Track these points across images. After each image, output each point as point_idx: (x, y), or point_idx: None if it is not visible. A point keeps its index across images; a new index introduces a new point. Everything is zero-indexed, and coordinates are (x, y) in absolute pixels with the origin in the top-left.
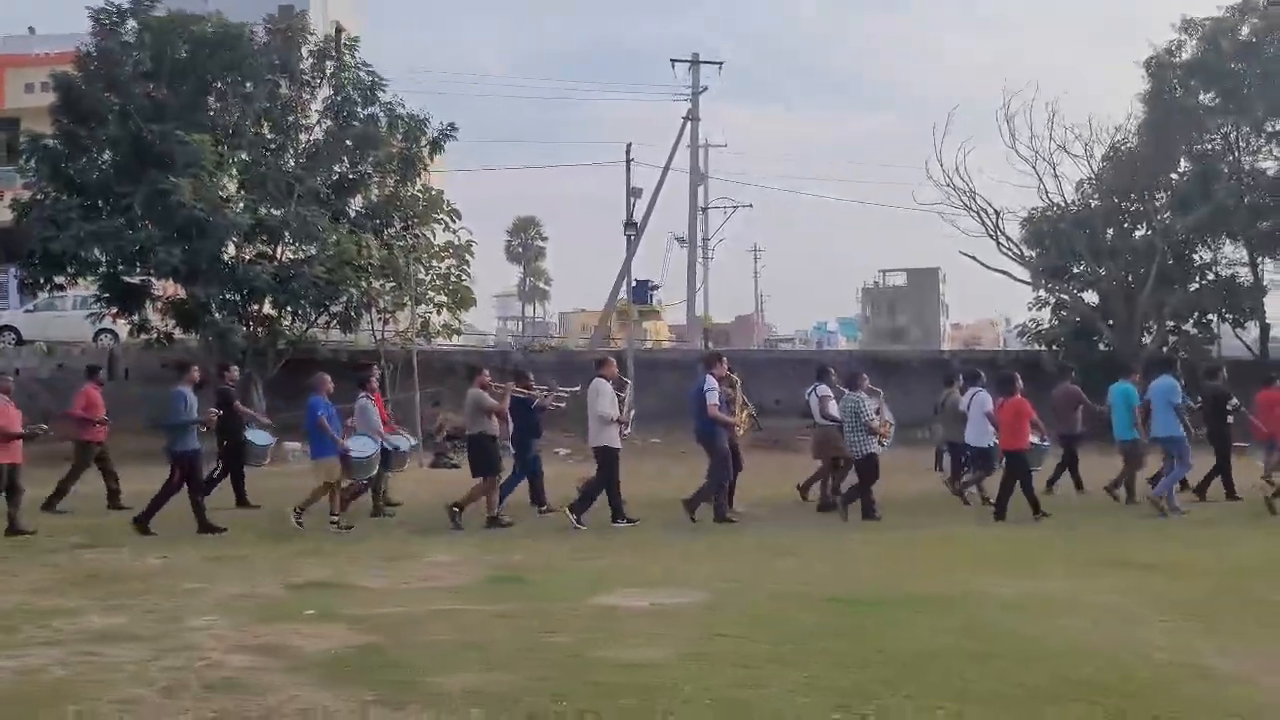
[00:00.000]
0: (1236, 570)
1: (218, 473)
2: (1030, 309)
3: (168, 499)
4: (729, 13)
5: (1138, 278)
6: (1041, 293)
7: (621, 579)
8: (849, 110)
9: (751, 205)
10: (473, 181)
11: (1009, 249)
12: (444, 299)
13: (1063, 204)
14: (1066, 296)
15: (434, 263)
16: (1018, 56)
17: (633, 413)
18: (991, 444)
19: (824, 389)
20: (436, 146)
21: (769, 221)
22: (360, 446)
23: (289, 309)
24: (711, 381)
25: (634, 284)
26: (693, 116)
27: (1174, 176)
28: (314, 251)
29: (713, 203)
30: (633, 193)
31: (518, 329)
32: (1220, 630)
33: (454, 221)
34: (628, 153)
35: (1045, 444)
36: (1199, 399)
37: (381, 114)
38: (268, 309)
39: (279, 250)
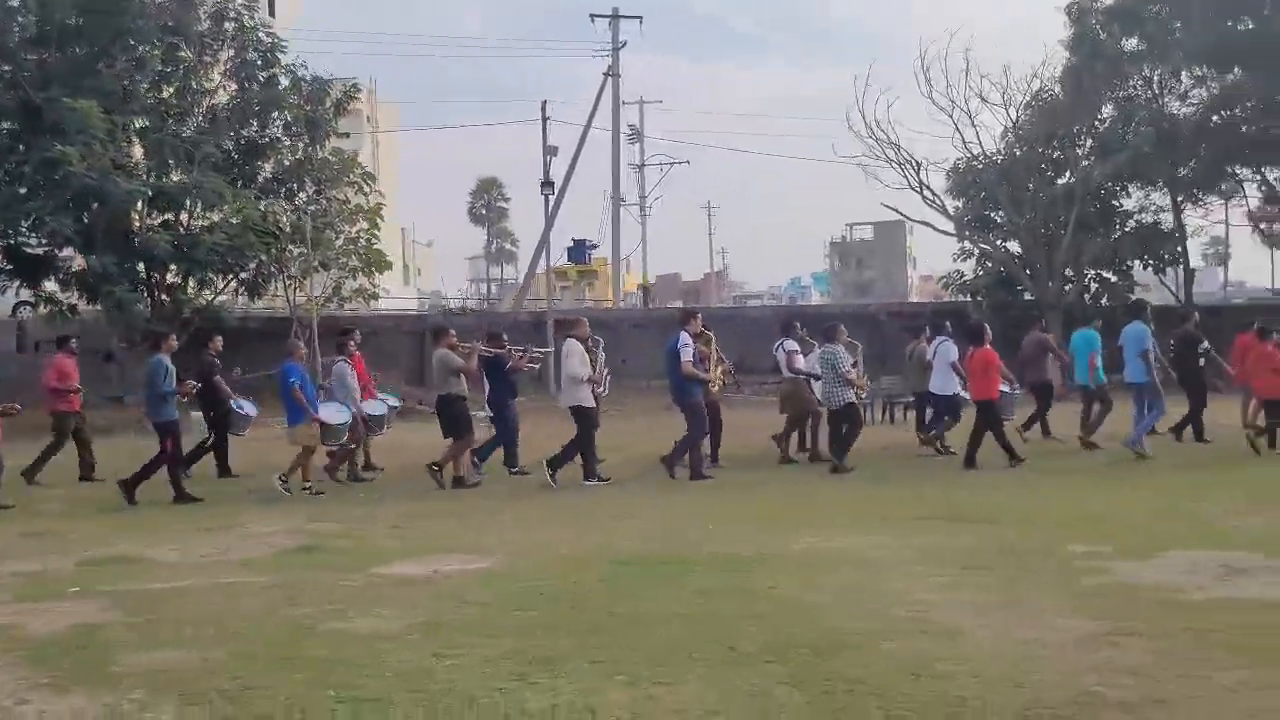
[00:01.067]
0: (1050, 522)
1: (210, 441)
2: (955, 260)
3: (156, 468)
4: None
5: (1059, 226)
6: (966, 244)
7: (427, 546)
8: (817, 63)
9: (689, 162)
10: (438, 142)
11: (933, 200)
12: (356, 263)
13: (985, 154)
14: (989, 247)
15: (345, 227)
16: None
17: (607, 373)
18: (956, 392)
19: (791, 343)
20: (340, 108)
21: (737, 177)
22: (333, 413)
23: (193, 277)
24: (685, 338)
25: (571, 244)
26: (613, 73)
27: (1097, 123)
28: (216, 218)
29: (650, 159)
30: (549, 151)
31: (488, 291)
32: (988, 585)
33: (367, 185)
34: (543, 110)
35: (1015, 391)
36: (1171, 344)
37: (283, 76)
38: (173, 278)
39: (185, 218)
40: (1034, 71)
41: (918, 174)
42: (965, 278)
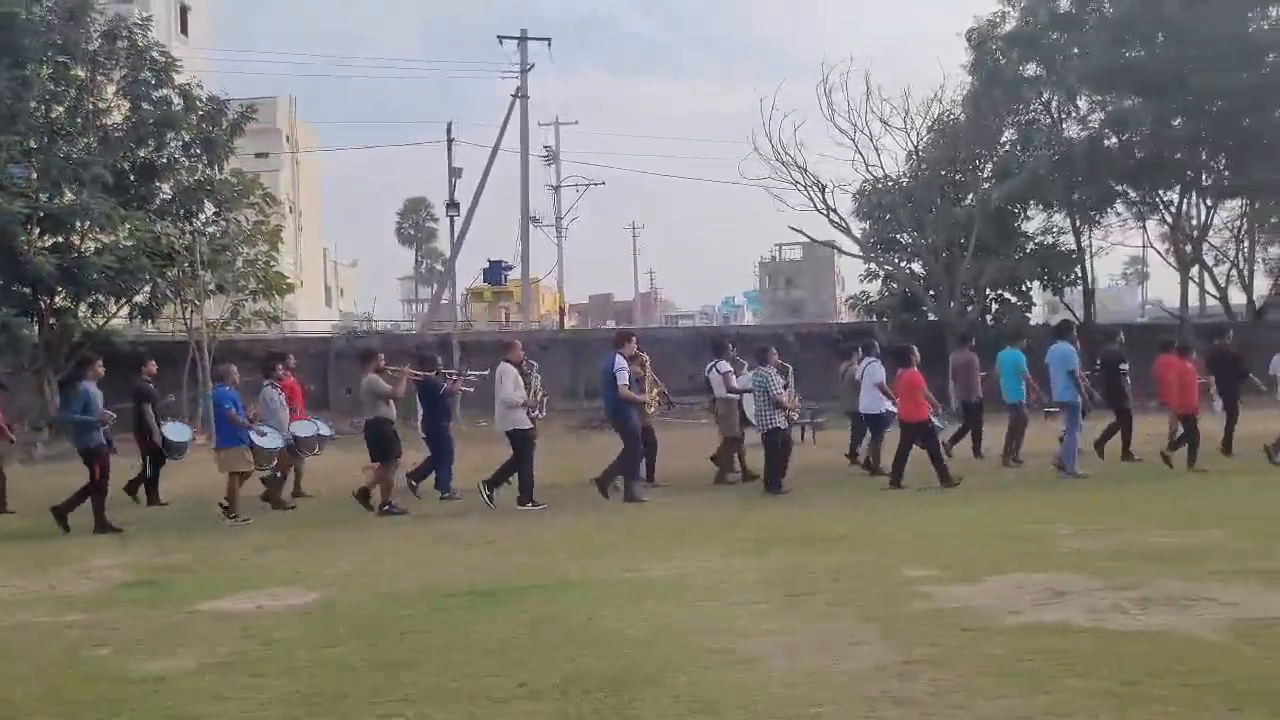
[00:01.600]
0: (899, 544)
1: (147, 470)
2: (861, 281)
3: (86, 496)
4: None
5: (961, 248)
6: (872, 265)
7: (267, 579)
8: (741, 81)
9: (604, 183)
10: (368, 163)
11: (838, 222)
12: (254, 286)
13: (890, 176)
14: (892, 268)
15: (243, 249)
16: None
17: (544, 396)
18: (884, 411)
19: (724, 364)
20: (236, 129)
21: (663, 196)
22: (263, 437)
23: (83, 301)
24: (620, 361)
25: (487, 265)
26: (521, 94)
27: (997, 147)
28: (108, 240)
29: (566, 180)
30: (454, 173)
31: (416, 311)
32: (808, 611)
33: (268, 206)
34: (449, 132)
35: (940, 425)
36: (1097, 363)
37: (175, 95)
38: (62, 301)
39: (78, 240)
40: (935, 95)
41: (823, 196)
42: (871, 299)
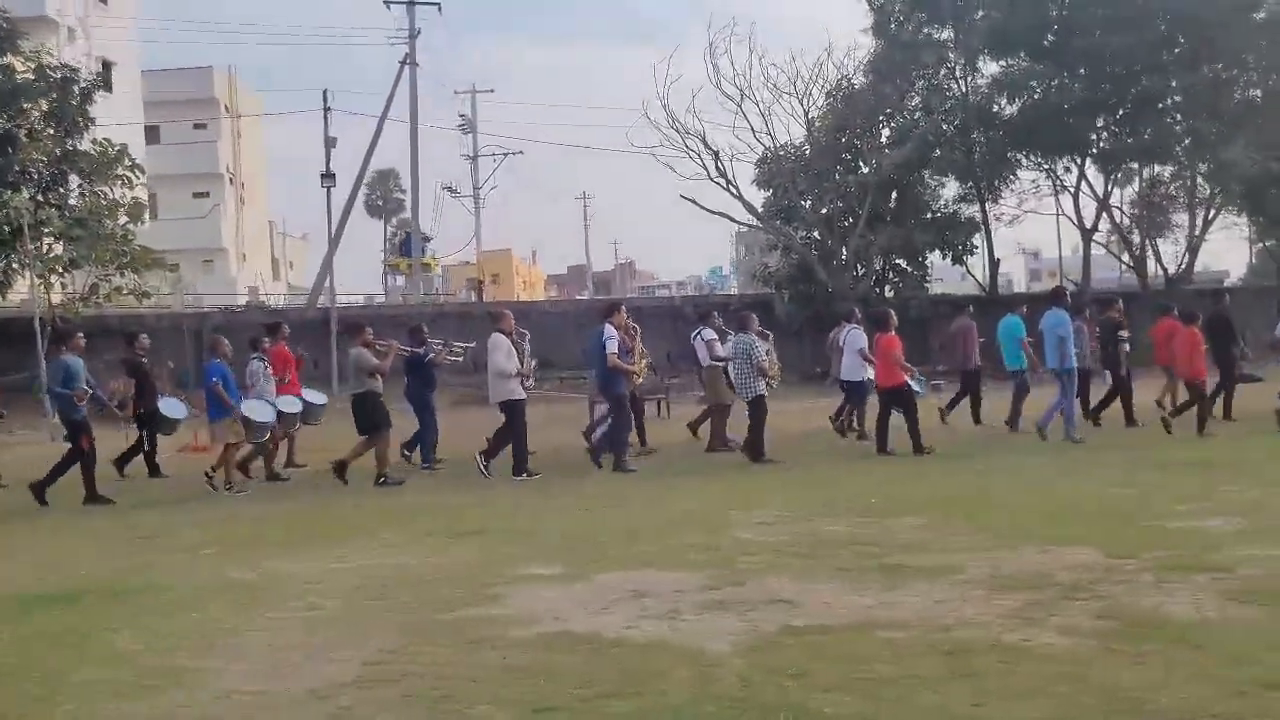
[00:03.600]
0: (559, 534)
1: (145, 444)
2: (761, 252)
3: (67, 469)
4: None
5: (857, 217)
6: (770, 236)
7: None
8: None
9: (522, 152)
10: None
11: (732, 191)
12: (116, 260)
13: (791, 144)
14: (786, 239)
15: (106, 222)
16: None
17: (534, 363)
18: (864, 378)
19: (709, 332)
20: (86, 97)
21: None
22: (256, 409)
23: None
24: (610, 330)
25: (404, 236)
26: (410, 60)
27: (898, 114)
28: None
29: (483, 149)
30: (329, 142)
31: (397, 285)
32: (356, 617)
33: (136, 177)
34: (324, 100)
35: (921, 391)
36: (1096, 330)
37: (20, 64)
38: None
39: None
40: (822, 59)
41: (716, 164)
42: (770, 269)
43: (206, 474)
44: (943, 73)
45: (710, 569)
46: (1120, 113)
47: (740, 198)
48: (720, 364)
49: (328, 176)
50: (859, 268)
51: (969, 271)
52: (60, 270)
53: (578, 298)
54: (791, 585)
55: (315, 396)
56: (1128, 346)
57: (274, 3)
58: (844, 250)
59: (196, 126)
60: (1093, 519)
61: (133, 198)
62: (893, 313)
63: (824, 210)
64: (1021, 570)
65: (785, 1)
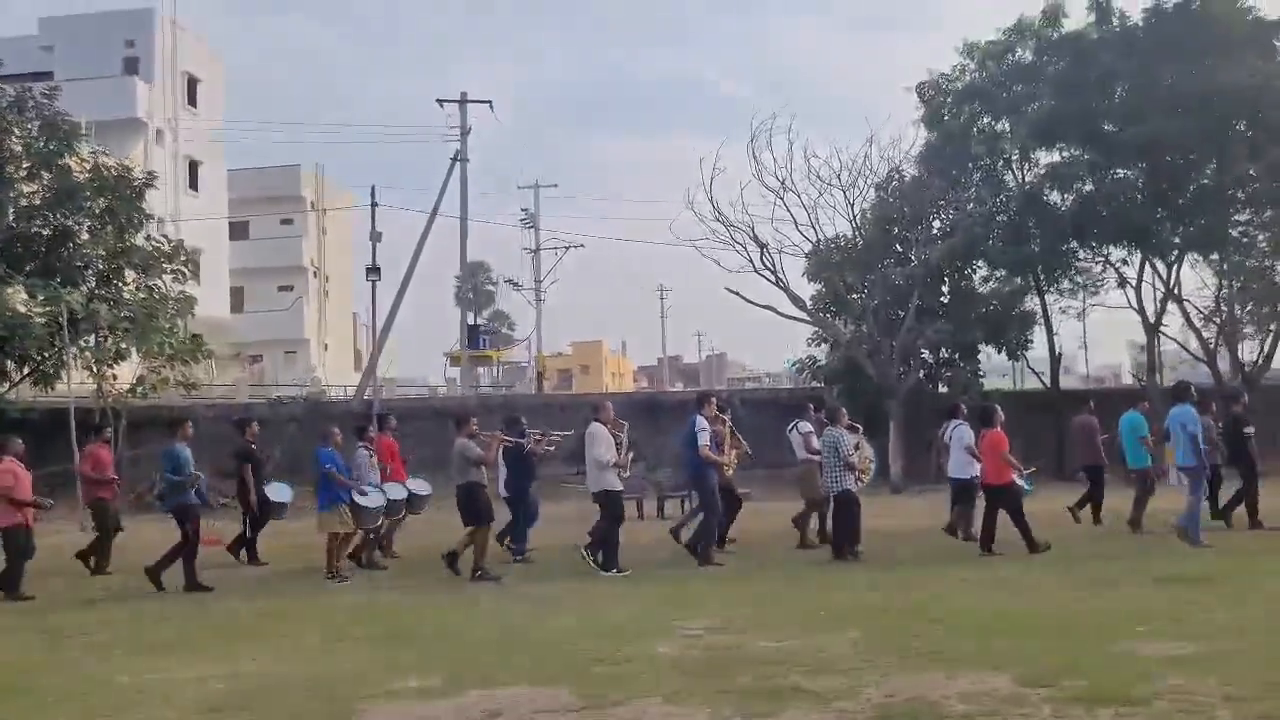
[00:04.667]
0: (527, 644)
1: (247, 531)
2: (809, 345)
3: (179, 555)
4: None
5: (906, 311)
6: (824, 329)
7: None
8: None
9: (583, 245)
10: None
11: (778, 283)
12: (169, 352)
13: (841, 236)
14: (833, 331)
15: (154, 318)
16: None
17: (631, 456)
18: (972, 476)
19: (805, 425)
20: (139, 194)
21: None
22: (365, 497)
23: None
24: (702, 422)
25: (467, 328)
26: (461, 157)
27: (948, 205)
28: None
29: (544, 243)
30: (375, 237)
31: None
32: None
33: (189, 273)
34: (372, 196)
35: (1028, 487)
36: (1220, 425)
37: (76, 164)
38: None
39: None
40: (870, 151)
41: (761, 256)
42: (818, 362)
43: (327, 574)
44: (997, 164)
45: (590, 687)
46: (1180, 203)
47: (786, 289)
48: (815, 457)
49: (373, 270)
50: (910, 362)
51: (1030, 366)
52: (109, 362)
53: (667, 389)
54: (657, 709)
55: (420, 486)
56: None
57: (371, 105)
58: (892, 344)
59: (283, 222)
60: (1037, 638)
61: (181, 291)
62: (999, 408)
63: (873, 303)
64: (916, 698)
65: (840, 96)
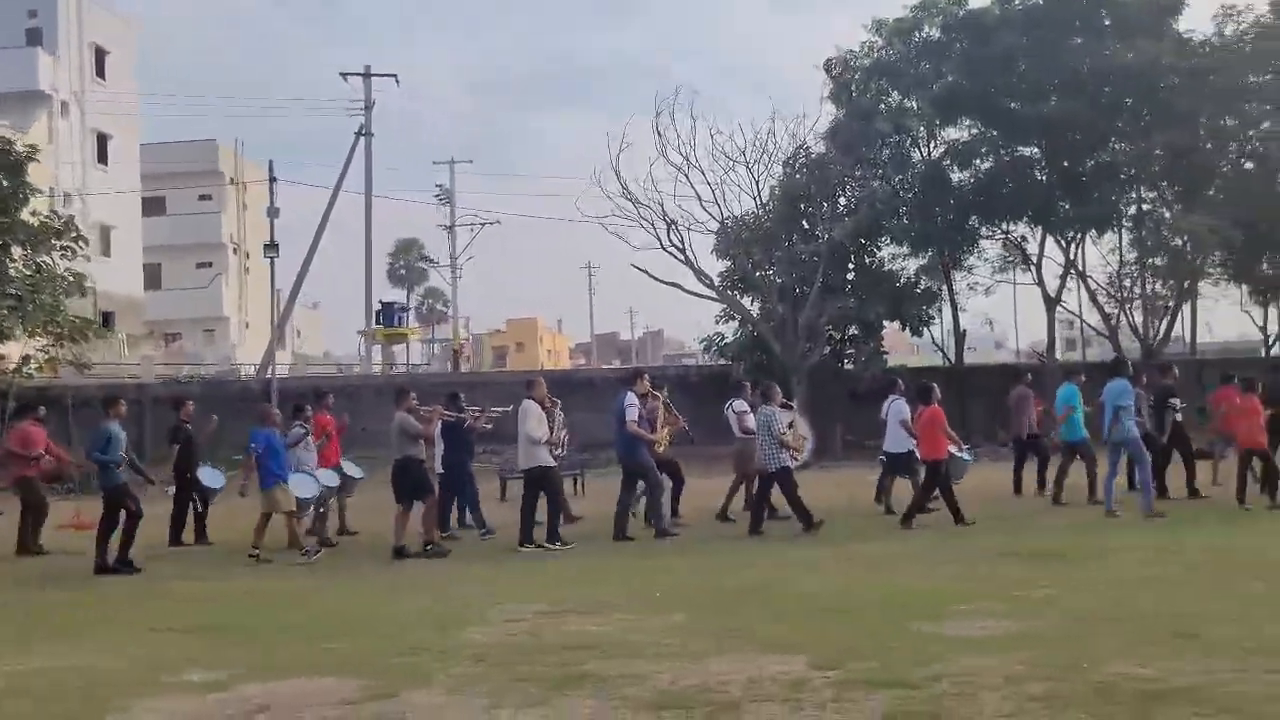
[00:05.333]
0: (335, 629)
1: (198, 508)
2: (717, 322)
3: (110, 534)
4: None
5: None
6: (730, 306)
7: None
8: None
9: (499, 222)
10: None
11: (685, 261)
12: (56, 330)
13: (749, 213)
14: (738, 309)
15: (38, 295)
16: None
17: (566, 433)
18: (908, 450)
19: (740, 403)
20: (17, 169)
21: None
22: (298, 485)
23: None
24: (631, 398)
25: (380, 306)
26: (365, 131)
27: (854, 181)
28: None
29: (460, 220)
30: (272, 213)
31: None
32: None
33: (80, 248)
34: (270, 170)
35: (967, 457)
36: (1151, 398)
37: None
38: None
39: None
40: (774, 128)
41: (669, 233)
42: (725, 339)
43: (252, 554)
44: (904, 141)
45: (381, 678)
46: (1078, 180)
47: (693, 267)
48: (751, 436)
49: (271, 247)
50: (814, 339)
51: (937, 344)
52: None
53: (604, 366)
54: (435, 698)
55: (353, 469)
56: (1178, 415)
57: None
58: (798, 321)
59: (202, 198)
60: (854, 619)
61: (67, 269)
62: (935, 386)
63: (779, 280)
64: (703, 683)
65: (751, 69)
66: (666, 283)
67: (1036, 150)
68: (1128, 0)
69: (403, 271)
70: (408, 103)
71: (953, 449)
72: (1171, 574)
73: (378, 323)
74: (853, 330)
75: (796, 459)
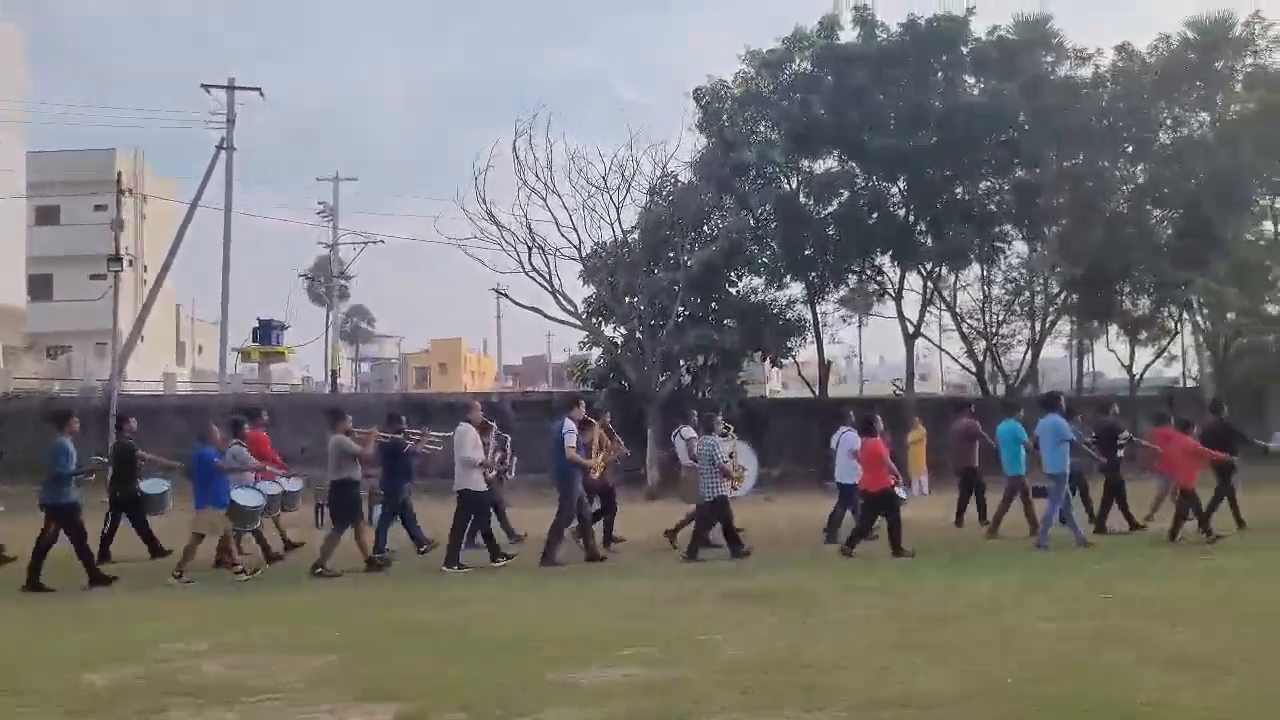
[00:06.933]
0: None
1: (107, 527)
2: (581, 347)
3: (46, 551)
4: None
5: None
6: (590, 333)
7: None
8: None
9: (383, 241)
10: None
11: (547, 285)
12: None
13: (617, 239)
14: (599, 336)
15: None
16: None
17: (499, 455)
18: (856, 481)
19: (689, 430)
20: None
21: None
22: (243, 495)
23: None
24: (569, 424)
25: (257, 324)
26: (228, 145)
27: (717, 212)
28: None
29: (342, 237)
30: (115, 225)
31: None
32: None
33: None
34: (119, 183)
35: (903, 494)
36: (1093, 434)
37: None
38: None
39: None
40: (634, 155)
41: (530, 257)
42: (589, 365)
43: (174, 576)
44: (768, 171)
45: None
46: (933, 216)
47: (556, 292)
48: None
49: (115, 260)
50: (671, 368)
51: (802, 375)
52: None
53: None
54: None
55: (293, 484)
56: (1120, 452)
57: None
58: (649, 348)
59: (97, 208)
60: (501, 664)
61: None
62: (879, 416)
63: (641, 308)
64: None
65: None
66: (528, 307)
67: (894, 185)
68: (982, 40)
69: (322, 290)
70: (355, 119)
71: (891, 482)
72: (871, 618)
73: (254, 340)
74: (714, 360)
75: (736, 489)
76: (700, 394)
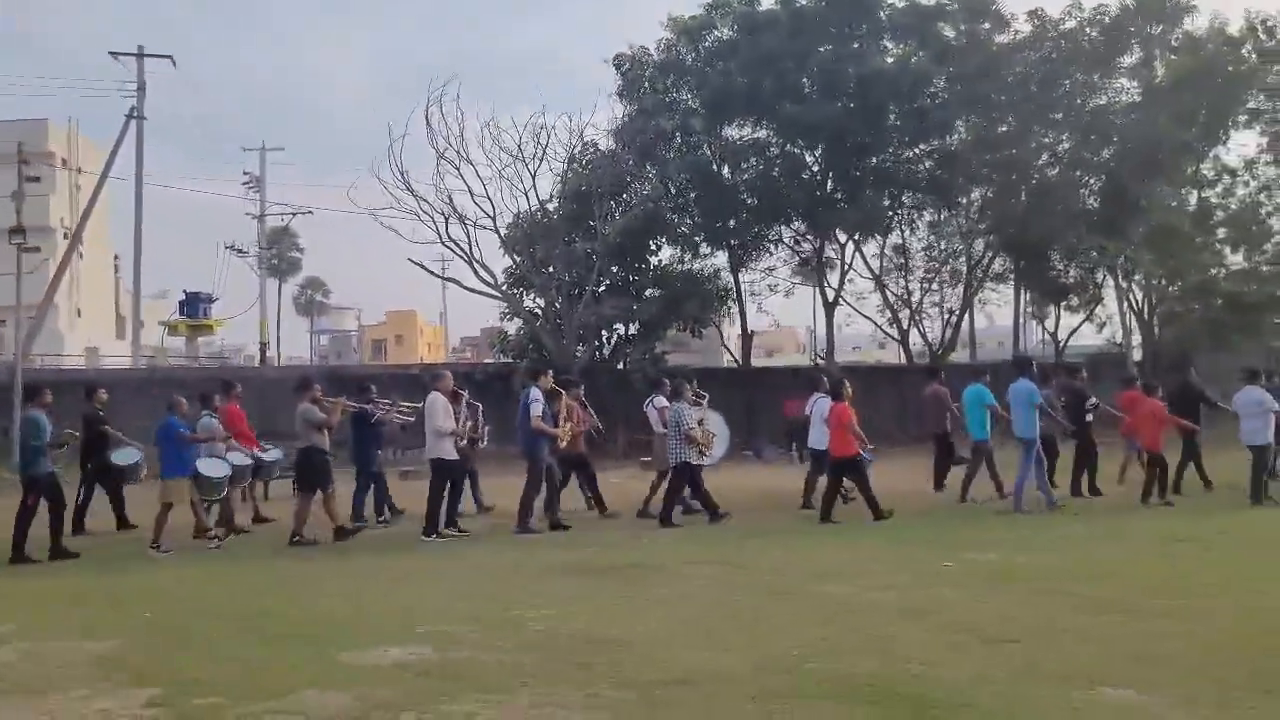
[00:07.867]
0: None
1: (81, 497)
2: (501, 319)
3: (29, 522)
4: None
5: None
6: (508, 304)
7: None
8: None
9: (312, 212)
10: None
11: (464, 255)
12: None
13: (537, 208)
14: (517, 306)
15: None
16: None
17: (488, 428)
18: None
19: (661, 400)
20: None
21: None
22: (209, 466)
23: None
24: (535, 394)
25: (184, 296)
26: (138, 115)
27: (637, 180)
28: None
29: (270, 209)
30: (16, 196)
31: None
32: None
33: None
34: (19, 152)
35: (869, 457)
36: (1062, 398)
37: None
38: None
39: None
40: (548, 125)
41: (446, 228)
42: (509, 336)
43: (152, 547)
44: (688, 139)
45: None
46: (848, 183)
47: (472, 262)
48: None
49: (16, 232)
50: (588, 338)
51: (725, 345)
52: None
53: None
54: None
55: (271, 455)
56: (1090, 416)
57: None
58: (567, 318)
59: (29, 180)
60: (279, 644)
61: None
62: (847, 382)
63: (558, 278)
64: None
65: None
66: (443, 278)
67: (809, 152)
68: (893, 4)
69: (274, 261)
70: (322, 95)
71: (857, 447)
72: (702, 592)
73: (181, 314)
74: (634, 329)
75: (706, 455)
76: (621, 365)
